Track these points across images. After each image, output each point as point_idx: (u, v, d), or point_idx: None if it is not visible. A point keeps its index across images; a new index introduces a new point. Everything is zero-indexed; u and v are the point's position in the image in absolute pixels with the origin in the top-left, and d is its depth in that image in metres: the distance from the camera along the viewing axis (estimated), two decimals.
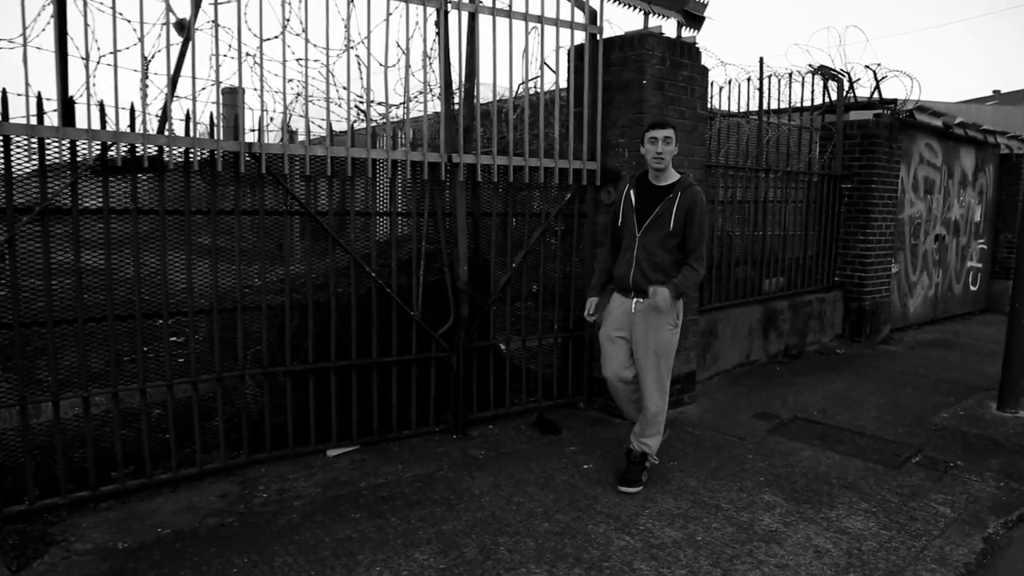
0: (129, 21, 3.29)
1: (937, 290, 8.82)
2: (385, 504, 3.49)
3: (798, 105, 7.22)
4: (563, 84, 4.72)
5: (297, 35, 3.70)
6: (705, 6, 4.99)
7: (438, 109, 4.20)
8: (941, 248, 8.76)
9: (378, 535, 3.18)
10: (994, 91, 29.63)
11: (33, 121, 3.04)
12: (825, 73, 7.12)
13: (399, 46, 4.00)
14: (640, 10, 4.68)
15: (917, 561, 3.11)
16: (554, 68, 4.57)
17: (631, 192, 3.79)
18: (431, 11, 4.07)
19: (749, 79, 6.66)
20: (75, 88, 3.15)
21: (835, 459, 4.27)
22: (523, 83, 4.53)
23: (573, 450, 4.29)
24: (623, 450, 3.97)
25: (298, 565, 2.92)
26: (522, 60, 4.40)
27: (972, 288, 9.59)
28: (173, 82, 3.41)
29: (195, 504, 3.44)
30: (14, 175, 3.07)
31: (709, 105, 5.36)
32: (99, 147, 3.21)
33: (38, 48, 3.09)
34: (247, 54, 3.59)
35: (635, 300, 3.70)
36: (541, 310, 4.74)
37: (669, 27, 4.91)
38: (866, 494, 3.78)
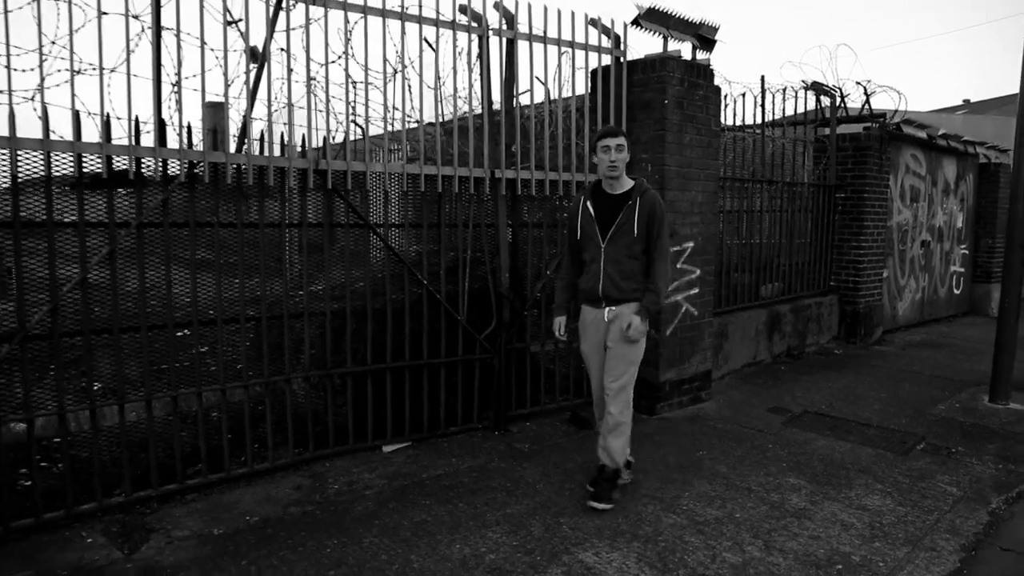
0: (213, 50, 3.63)
1: (924, 294, 9.39)
2: (450, 492, 3.84)
3: (791, 119, 7.74)
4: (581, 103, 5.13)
5: (351, 57, 4.07)
6: (716, 30, 5.45)
7: (479, 126, 4.58)
8: (927, 253, 9.35)
9: (450, 518, 3.53)
10: (964, 100, 30.80)
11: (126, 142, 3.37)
12: (818, 89, 7.64)
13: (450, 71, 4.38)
14: (659, 35, 5.12)
15: (933, 531, 3.54)
16: (582, 89, 4.98)
17: (588, 204, 3.79)
18: (474, 37, 4.47)
19: (744, 95, 7.15)
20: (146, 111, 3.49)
21: (847, 447, 4.70)
22: (556, 102, 4.92)
23: None
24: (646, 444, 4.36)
25: (384, 545, 3.26)
26: (554, 82, 4.79)
27: (955, 291, 10.20)
28: (251, 104, 3.75)
29: (273, 496, 3.76)
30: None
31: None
32: (187, 165, 3.54)
33: (135, 75, 3.43)
34: (311, 78, 3.95)
35: (607, 309, 3.72)
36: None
37: (673, 48, 5.35)
38: (879, 476, 4.21)
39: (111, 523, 3.41)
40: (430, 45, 4.35)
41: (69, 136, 3.22)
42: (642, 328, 3.65)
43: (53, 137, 3.18)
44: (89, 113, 3.31)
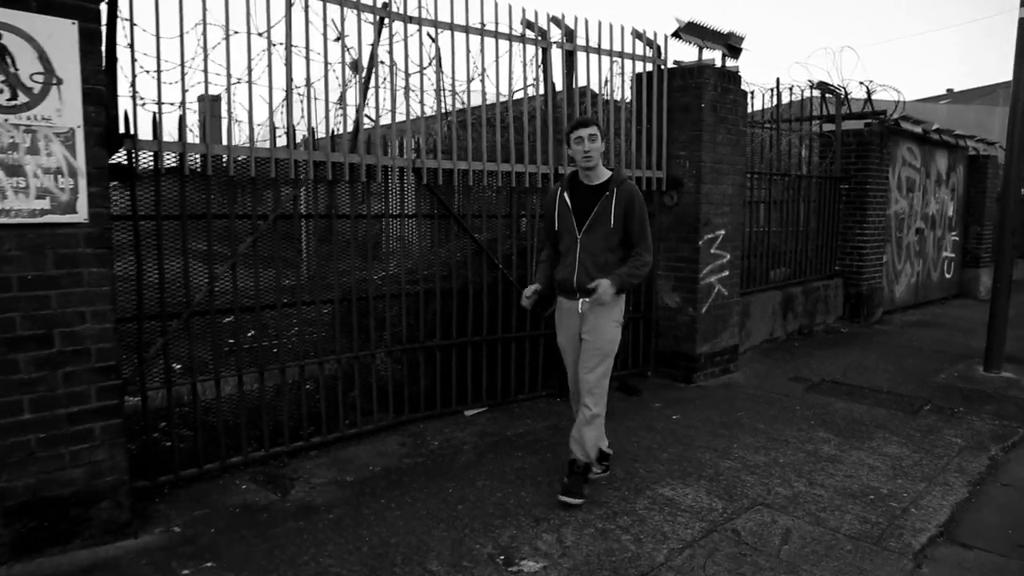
0: (329, 63, 4.26)
1: (918, 277, 10.26)
2: (535, 446, 4.54)
3: (797, 116, 8.51)
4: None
5: (436, 70, 4.72)
6: (743, 39, 6.17)
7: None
8: (921, 240, 10.20)
9: (543, 465, 4.23)
10: (947, 90, 31.98)
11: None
12: (824, 88, 8.40)
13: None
14: (695, 45, 5.82)
15: (944, 471, 4.30)
16: (628, 93, 5.68)
17: (565, 194, 3.83)
18: (540, 49, 5.14)
19: (752, 93, 7.90)
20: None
21: (864, 408, 5.47)
22: (609, 106, 5.60)
23: (659, 406, 5.41)
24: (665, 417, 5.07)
25: (496, 485, 3.95)
26: (606, 87, 5.47)
27: (947, 276, 11.09)
28: (360, 110, 4.40)
29: (384, 451, 4.44)
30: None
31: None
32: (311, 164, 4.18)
33: (280, 89, 4.06)
34: (402, 86, 4.60)
35: (581, 300, 3.76)
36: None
37: (707, 56, 6.06)
38: (895, 431, 4.98)
39: (255, 474, 4.06)
40: (432, 38, 4.83)
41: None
42: (610, 290, 3.60)
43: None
44: (237, 120, 3.94)
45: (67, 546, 3.18)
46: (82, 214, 3.11)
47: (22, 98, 2.95)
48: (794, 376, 6.36)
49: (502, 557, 3.23)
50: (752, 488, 3.99)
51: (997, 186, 11.40)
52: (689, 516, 3.65)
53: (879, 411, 5.41)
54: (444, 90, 4.74)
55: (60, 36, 3.01)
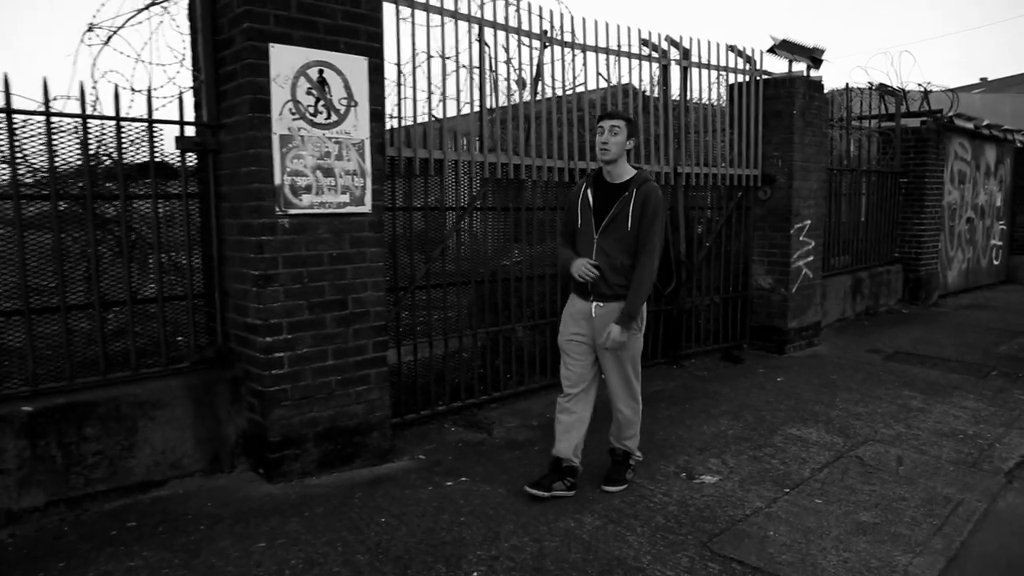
0: (506, 80, 5.35)
1: (968, 264, 11.31)
2: (672, 400, 5.63)
3: (860, 115, 9.55)
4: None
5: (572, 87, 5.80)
6: (823, 51, 7.22)
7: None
8: (971, 229, 11.25)
9: (686, 414, 5.32)
10: (981, 79, 32.79)
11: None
12: (884, 90, 9.45)
13: (636, 88, 6.14)
14: (785, 58, 6.89)
15: (1019, 420, 5.36)
16: (725, 103, 6.75)
17: (588, 192, 3.80)
18: (660, 67, 6.22)
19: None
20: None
21: (938, 373, 6.54)
22: (716, 112, 6.67)
23: (762, 371, 6.49)
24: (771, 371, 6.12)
25: (657, 426, 5.02)
26: (715, 97, 6.55)
27: (995, 262, 12.14)
28: (531, 122, 5.49)
29: (551, 404, 5.47)
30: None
31: None
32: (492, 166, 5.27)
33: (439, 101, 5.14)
34: (558, 97, 5.69)
35: (595, 304, 3.76)
36: (722, 277, 6.92)
37: (795, 68, 7.12)
38: (969, 391, 6.04)
39: (456, 420, 5.16)
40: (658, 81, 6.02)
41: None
42: (619, 338, 3.67)
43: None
44: (451, 132, 5.04)
45: (351, 465, 4.29)
46: (368, 206, 4.22)
47: (333, 117, 4.05)
48: (870, 348, 7.43)
49: (684, 473, 4.32)
50: (861, 429, 5.07)
51: None
52: (818, 448, 4.73)
53: (952, 376, 6.48)
54: (585, 103, 5.83)
55: (357, 69, 4.11)
